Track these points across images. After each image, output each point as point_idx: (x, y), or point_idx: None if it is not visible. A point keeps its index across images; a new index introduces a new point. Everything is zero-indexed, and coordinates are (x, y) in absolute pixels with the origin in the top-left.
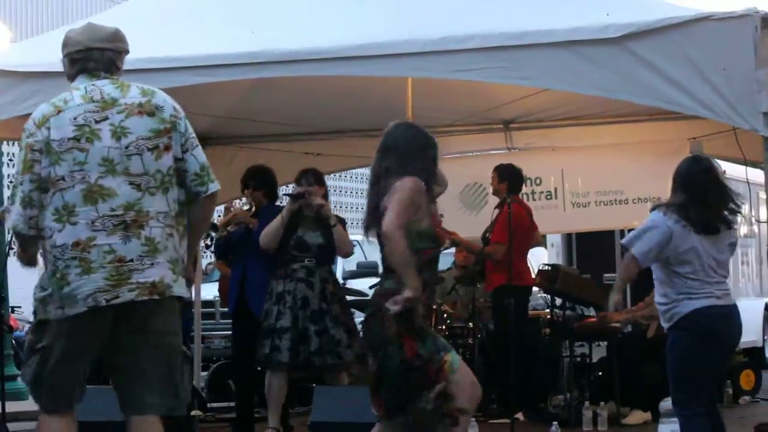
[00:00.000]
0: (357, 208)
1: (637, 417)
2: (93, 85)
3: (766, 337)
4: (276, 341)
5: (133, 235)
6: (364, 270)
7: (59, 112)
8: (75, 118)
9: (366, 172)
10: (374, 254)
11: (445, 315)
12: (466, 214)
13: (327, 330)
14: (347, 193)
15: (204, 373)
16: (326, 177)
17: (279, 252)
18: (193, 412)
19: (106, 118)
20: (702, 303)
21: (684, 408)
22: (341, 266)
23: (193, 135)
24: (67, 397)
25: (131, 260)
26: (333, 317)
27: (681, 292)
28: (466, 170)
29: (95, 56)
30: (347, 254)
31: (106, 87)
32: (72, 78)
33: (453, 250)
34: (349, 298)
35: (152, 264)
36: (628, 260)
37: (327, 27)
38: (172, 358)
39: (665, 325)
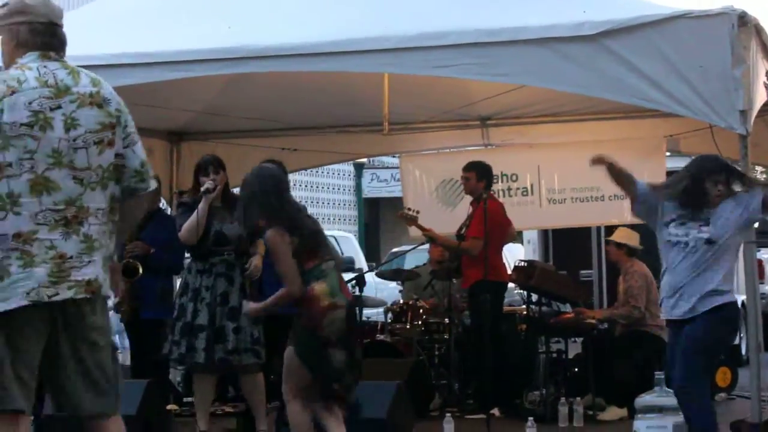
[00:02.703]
0: (333, 203)
1: (612, 413)
2: (45, 67)
3: (742, 335)
4: (192, 340)
5: (73, 231)
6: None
7: (13, 92)
8: (30, 103)
9: (343, 167)
10: (350, 250)
11: (421, 311)
12: (441, 210)
13: (244, 328)
14: (323, 188)
15: (180, 368)
16: (302, 172)
17: (197, 246)
18: (168, 407)
19: (59, 107)
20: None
21: (703, 398)
22: None
23: (135, 130)
24: (21, 397)
25: (71, 257)
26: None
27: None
28: (442, 166)
29: (58, 33)
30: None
31: (58, 72)
32: (19, 49)
33: (428, 245)
34: None
35: (89, 262)
36: None
37: (303, 23)
38: (110, 357)
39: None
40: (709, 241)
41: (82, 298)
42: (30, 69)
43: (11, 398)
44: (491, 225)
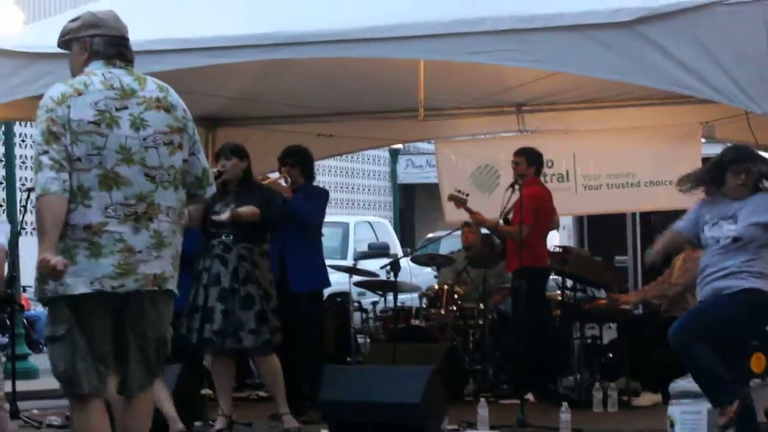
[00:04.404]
0: (368, 189)
1: (647, 399)
2: (110, 72)
3: None
4: (191, 322)
5: (143, 227)
6: (375, 251)
7: (79, 94)
8: (96, 103)
9: (378, 153)
10: (385, 236)
11: (455, 296)
12: (478, 196)
13: (234, 311)
14: (358, 174)
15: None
16: (338, 158)
17: (201, 230)
18: (203, 391)
19: (126, 108)
20: None
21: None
22: (353, 247)
23: (198, 138)
24: (101, 378)
25: (140, 251)
26: (242, 299)
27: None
28: (477, 152)
29: (129, 46)
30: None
31: (124, 77)
32: (88, 59)
33: (459, 231)
34: (359, 279)
35: (157, 257)
36: None
37: (339, 9)
38: (161, 345)
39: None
40: (736, 240)
41: (147, 291)
42: (95, 75)
43: (81, 381)
44: (539, 211)
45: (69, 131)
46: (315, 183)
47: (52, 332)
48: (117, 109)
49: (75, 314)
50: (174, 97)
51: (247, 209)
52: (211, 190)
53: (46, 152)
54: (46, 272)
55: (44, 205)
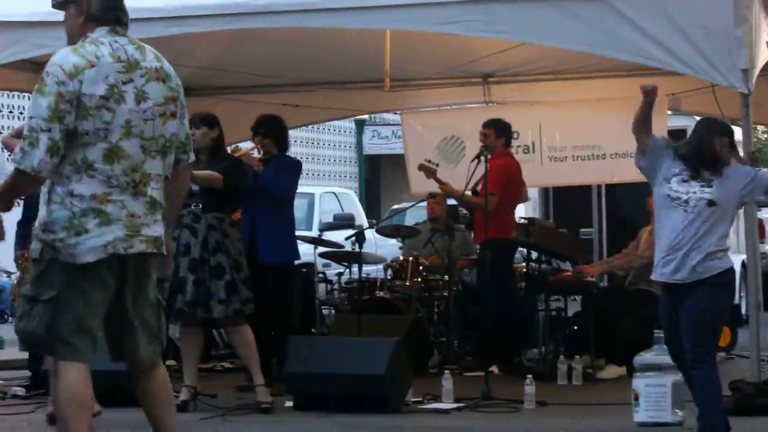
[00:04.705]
0: (334, 160)
1: (611, 371)
2: (116, 42)
3: (742, 294)
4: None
5: (140, 193)
6: (340, 222)
7: (92, 66)
8: (107, 77)
9: (344, 124)
10: (351, 207)
11: (421, 267)
12: (443, 167)
13: (204, 281)
14: (324, 145)
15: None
16: (304, 129)
17: None
18: (167, 362)
19: (131, 81)
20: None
21: (713, 359)
22: (318, 218)
23: (186, 104)
24: (84, 347)
25: (140, 216)
26: (212, 269)
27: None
28: (443, 123)
29: (125, 8)
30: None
31: (128, 47)
32: (88, 23)
33: (426, 202)
34: (324, 250)
35: (154, 221)
36: None
37: None
38: (160, 309)
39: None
40: (711, 203)
41: (150, 252)
42: (104, 44)
43: (70, 351)
44: (508, 182)
45: (78, 108)
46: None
47: (36, 294)
48: (123, 83)
49: (74, 282)
50: (167, 65)
51: (204, 173)
52: (192, 156)
53: (48, 130)
54: None
55: (28, 183)
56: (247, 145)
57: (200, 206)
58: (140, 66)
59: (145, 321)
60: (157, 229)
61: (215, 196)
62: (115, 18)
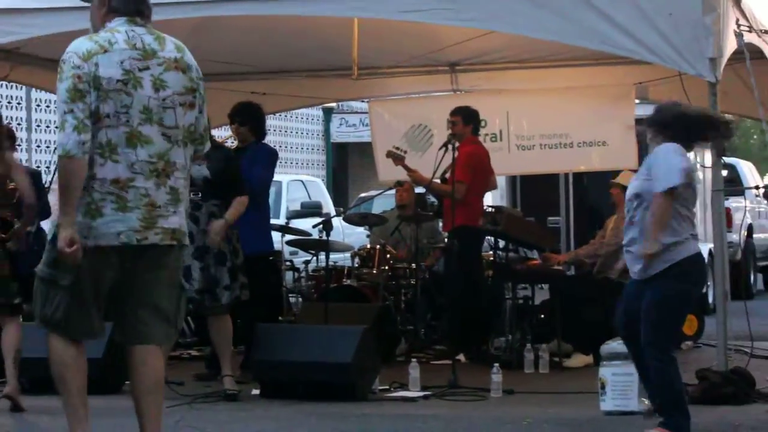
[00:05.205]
0: (301, 148)
1: (578, 360)
2: (133, 31)
3: (709, 284)
4: None
5: (162, 183)
6: (308, 210)
7: (105, 51)
8: (122, 62)
9: (311, 112)
10: (318, 195)
11: (387, 256)
12: (411, 155)
13: (208, 268)
14: (292, 133)
15: None
16: (271, 117)
17: None
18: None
19: (148, 68)
20: (696, 246)
21: (669, 352)
22: (285, 206)
23: (205, 97)
24: (90, 330)
25: (160, 206)
26: (215, 255)
27: (684, 233)
28: (411, 111)
29: (148, 2)
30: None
31: (145, 36)
32: (109, 15)
33: (394, 191)
34: (291, 237)
35: (174, 212)
36: None
37: None
38: (177, 293)
39: (658, 269)
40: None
41: (166, 245)
42: (119, 32)
43: (68, 329)
44: (477, 170)
45: (97, 89)
46: None
47: (52, 276)
48: (140, 70)
49: (93, 263)
50: (189, 56)
51: (240, 209)
52: (208, 145)
53: (71, 111)
54: (69, 260)
55: (68, 168)
56: (222, 135)
57: (199, 194)
58: (157, 55)
59: (157, 306)
60: (176, 221)
61: (214, 185)
62: (136, 10)
